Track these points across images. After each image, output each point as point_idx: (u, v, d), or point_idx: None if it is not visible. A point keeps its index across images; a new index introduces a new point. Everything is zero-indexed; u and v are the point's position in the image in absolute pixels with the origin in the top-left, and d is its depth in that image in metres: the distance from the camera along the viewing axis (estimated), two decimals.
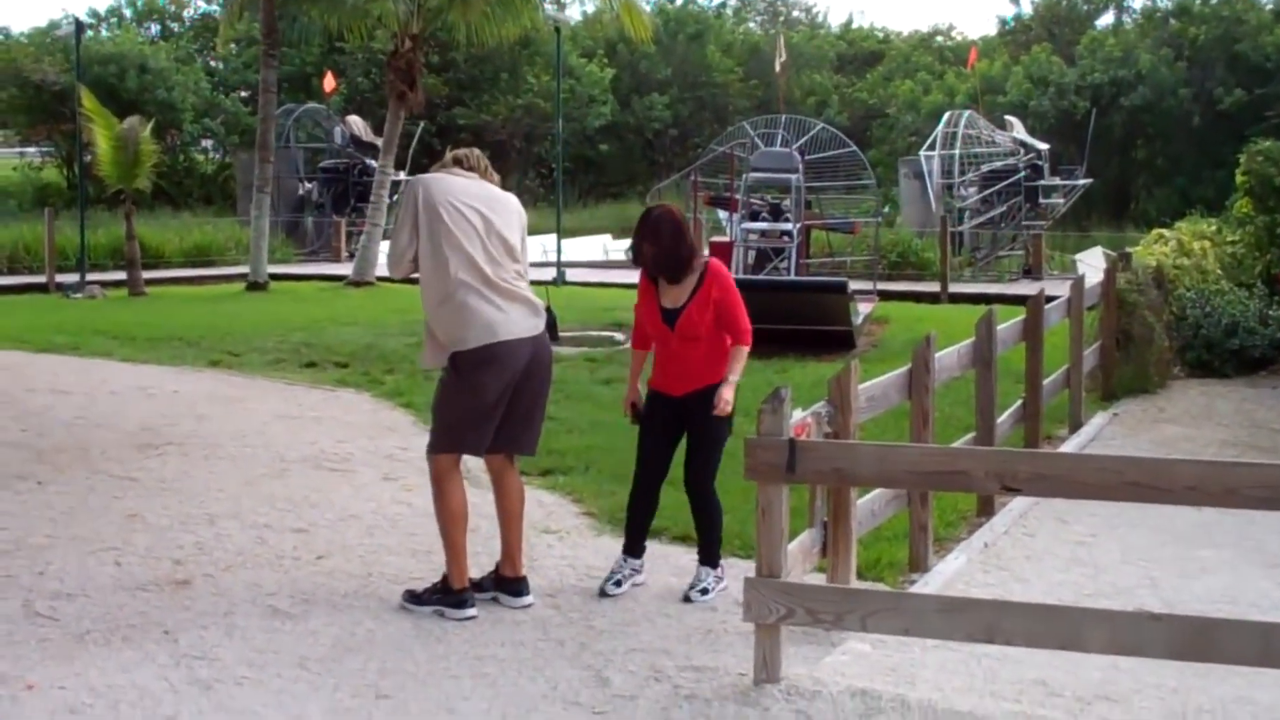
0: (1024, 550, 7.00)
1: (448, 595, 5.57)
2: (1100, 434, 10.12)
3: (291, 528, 6.89)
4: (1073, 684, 4.96)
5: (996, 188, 24.28)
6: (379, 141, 24.34)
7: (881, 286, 18.75)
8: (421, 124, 29.88)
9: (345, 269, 23.31)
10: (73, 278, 21.69)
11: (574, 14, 45.09)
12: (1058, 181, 25.38)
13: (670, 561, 6.34)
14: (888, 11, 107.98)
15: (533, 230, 6.97)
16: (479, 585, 5.73)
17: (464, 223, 5.49)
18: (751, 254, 16.78)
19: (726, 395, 5.70)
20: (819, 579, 5.69)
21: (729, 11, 59.93)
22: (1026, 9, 53.41)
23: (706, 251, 10.94)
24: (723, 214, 18.96)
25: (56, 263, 22.28)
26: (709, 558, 5.94)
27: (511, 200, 5.76)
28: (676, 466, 6.00)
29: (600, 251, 29.89)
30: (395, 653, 5.12)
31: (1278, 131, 24.42)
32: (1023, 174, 24.22)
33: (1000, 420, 8.11)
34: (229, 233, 28.02)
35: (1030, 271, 23.00)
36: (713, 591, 5.83)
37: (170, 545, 6.53)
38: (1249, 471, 4.28)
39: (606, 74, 46.27)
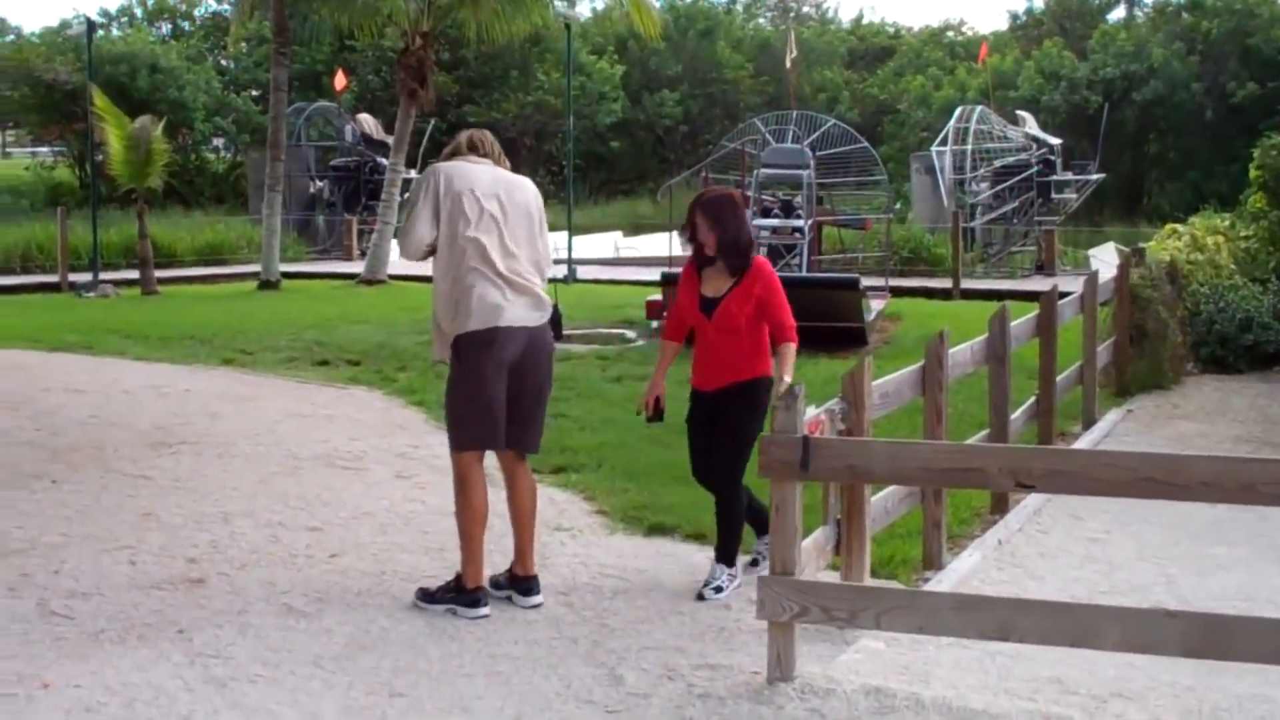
0: (1038, 547, 6.98)
1: (461, 594, 5.57)
2: (1114, 430, 10.09)
3: (305, 526, 6.90)
4: (1088, 681, 4.94)
5: (1009, 183, 24.20)
6: (390, 139, 24.39)
7: (893, 283, 18.68)
8: (432, 121, 29.89)
9: (357, 267, 23.34)
10: (85, 277, 21.77)
11: (584, 11, 45.04)
12: (1070, 177, 25.30)
13: (682, 560, 6.34)
14: (898, 7, 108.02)
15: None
16: (495, 583, 5.74)
17: (483, 215, 5.51)
18: (763, 250, 16.76)
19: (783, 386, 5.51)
20: (833, 577, 5.69)
21: (739, 7, 59.88)
22: (1038, 3, 53.38)
23: None
24: None
25: (69, 262, 22.37)
26: (725, 555, 5.93)
27: (527, 185, 5.78)
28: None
29: (611, 249, 29.87)
30: (409, 651, 5.13)
31: None
32: (1035, 169, 24.15)
33: (1014, 417, 8.09)
34: (241, 231, 28.11)
35: (1043, 267, 22.89)
36: (727, 589, 5.81)
37: (184, 544, 6.55)
38: (1265, 467, 4.26)
39: (617, 71, 46.30)
